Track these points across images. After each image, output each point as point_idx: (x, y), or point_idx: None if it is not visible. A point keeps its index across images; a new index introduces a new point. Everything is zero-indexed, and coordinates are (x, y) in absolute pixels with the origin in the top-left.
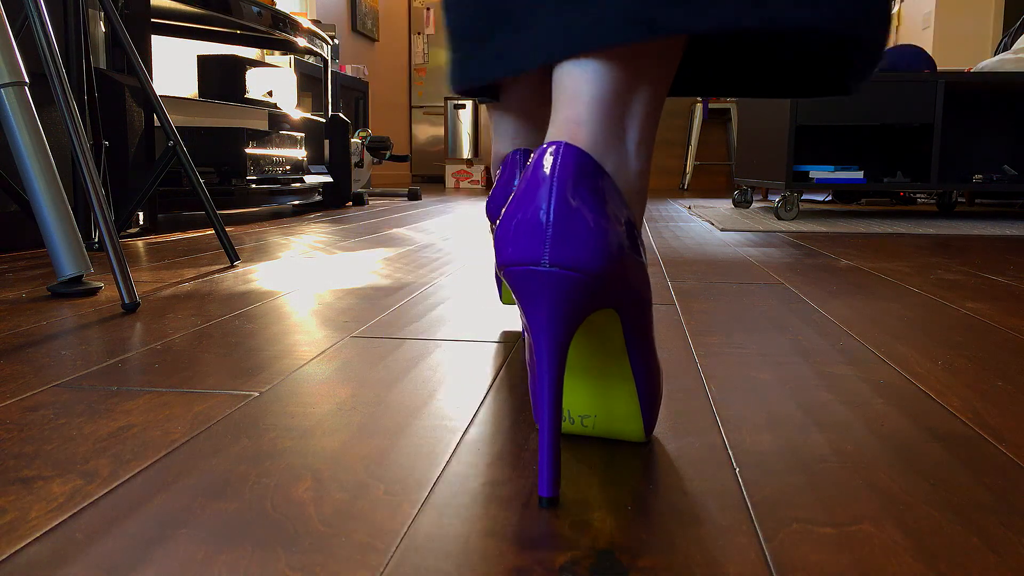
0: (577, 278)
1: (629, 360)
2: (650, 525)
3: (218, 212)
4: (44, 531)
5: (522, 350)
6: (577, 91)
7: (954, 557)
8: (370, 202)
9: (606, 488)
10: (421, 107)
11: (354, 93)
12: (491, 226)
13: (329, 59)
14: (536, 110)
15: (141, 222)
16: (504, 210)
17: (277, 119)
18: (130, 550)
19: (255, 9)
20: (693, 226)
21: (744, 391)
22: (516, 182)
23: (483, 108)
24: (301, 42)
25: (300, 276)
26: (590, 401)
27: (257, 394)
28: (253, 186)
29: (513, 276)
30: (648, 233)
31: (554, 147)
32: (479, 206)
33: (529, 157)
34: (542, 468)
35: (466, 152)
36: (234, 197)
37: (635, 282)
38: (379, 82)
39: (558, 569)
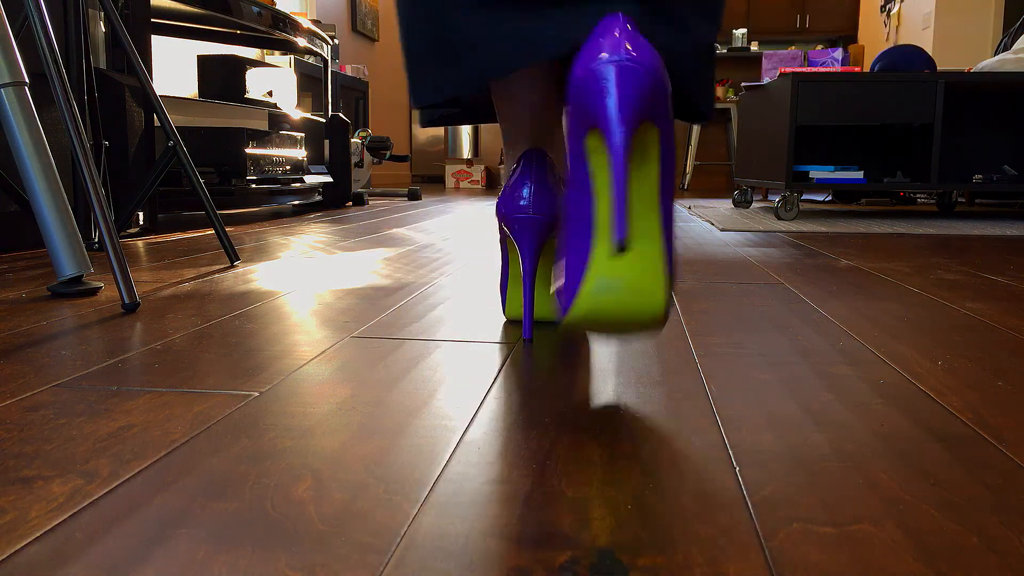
0: (643, 70)
1: (660, 195)
2: (650, 525)
3: (218, 212)
4: (44, 531)
5: (522, 352)
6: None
7: (954, 557)
8: (370, 202)
9: (606, 487)
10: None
11: (354, 93)
12: (500, 225)
13: (329, 59)
14: (546, 112)
15: (141, 222)
16: (584, 50)
17: (277, 119)
18: (130, 550)
19: (255, 9)
20: (693, 226)
21: (744, 391)
22: (528, 179)
23: None
24: (301, 42)
25: (300, 276)
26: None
27: (257, 394)
28: (253, 186)
29: (600, 68)
30: None
31: (613, 15)
32: (479, 206)
33: (542, 156)
34: (618, 211)
35: (466, 152)
36: (234, 197)
37: (668, 113)
38: (379, 82)
39: (558, 568)
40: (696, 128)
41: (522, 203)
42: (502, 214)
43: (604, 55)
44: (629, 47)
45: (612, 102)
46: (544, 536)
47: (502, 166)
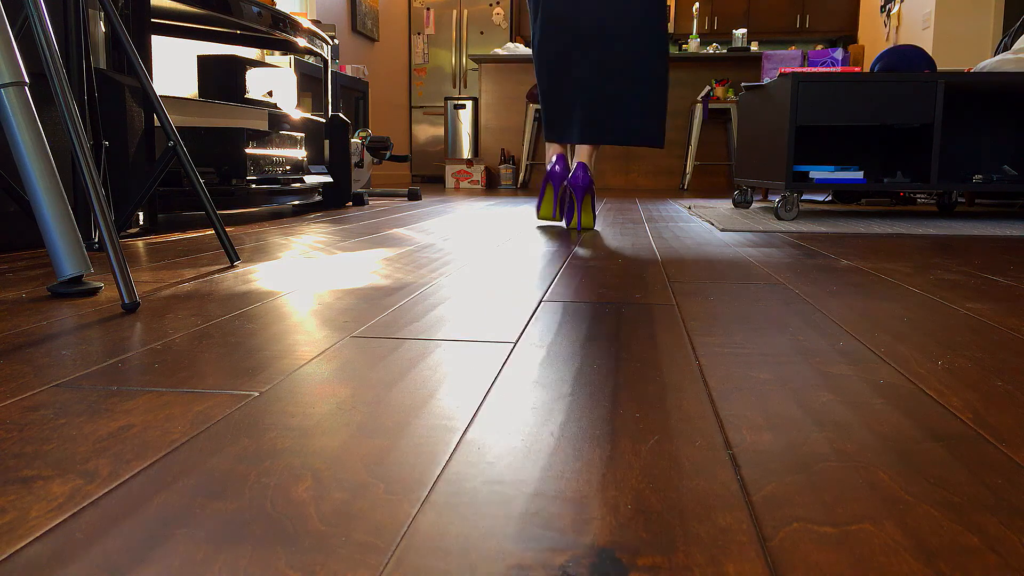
0: (583, 186)
1: (591, 207)
2: (650, 525)
3: (218, 212)
4: (44, 531)
5: (520, 351)
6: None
7: (954, 557)
8: (370, 202)
9: (606, 487)
10: (421, 107)
11: (354, 93)
12: (545, 179)
13: (329, 59)
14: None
15: (141, 222)
16: (572, 172)
17: (277, 119)
18: (130, 550)
19: (255, 9)
20: (693, 226)
21: (744, 391)
22: (556, 163)
23: (483, 109)
24: (301, 42)
25: (300, 276)
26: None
27: (257, 394)
28: (253, 186)
29: (573, 184)
30: (648, 233)
31: (581, 163)
32: (479, 206)
33: (563, 157)
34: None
35: (466, 152)
36: (234, 197)
37: (592, 190)
38: (379, 82)
39: (558, 568)
40: (696, 128)
41: (555, 171)
42: (546, 174)
43: (576, 177)
44: (581, 177)
45: (577, 195)
46: (544, 536)
47: (502, 167)
